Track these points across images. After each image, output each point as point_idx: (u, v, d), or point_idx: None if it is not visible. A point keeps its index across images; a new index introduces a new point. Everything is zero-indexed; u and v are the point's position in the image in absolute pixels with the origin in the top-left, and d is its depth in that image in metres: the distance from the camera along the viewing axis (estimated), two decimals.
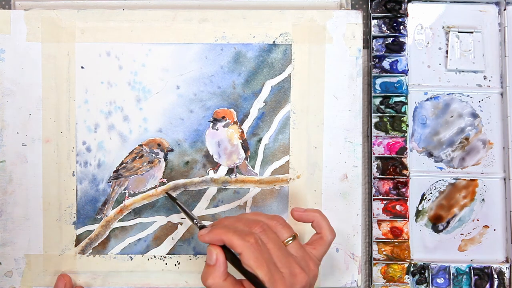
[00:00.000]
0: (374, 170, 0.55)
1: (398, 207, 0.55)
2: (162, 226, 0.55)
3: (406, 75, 0.56)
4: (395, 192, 0.55)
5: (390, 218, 0.55)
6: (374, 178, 0.55)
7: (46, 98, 0.54)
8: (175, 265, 0.55)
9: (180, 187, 0.55)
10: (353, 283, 0.54)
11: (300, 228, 0.52)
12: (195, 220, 0.48)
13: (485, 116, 0.56)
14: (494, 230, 0.56)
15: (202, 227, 0.46)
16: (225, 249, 0.42)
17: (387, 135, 0.55)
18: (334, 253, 0.54)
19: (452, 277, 0.55)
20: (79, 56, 0.54)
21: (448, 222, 0.56)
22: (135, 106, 0.54)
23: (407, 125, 0.56)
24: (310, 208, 0.48)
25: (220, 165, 0.55)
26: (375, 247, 0.55)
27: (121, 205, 0.55)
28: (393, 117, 0.56)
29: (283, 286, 0.40)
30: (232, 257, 0.42)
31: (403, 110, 0.56)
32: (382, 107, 0.56)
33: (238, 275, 0.42)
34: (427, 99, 0.57)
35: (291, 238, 0.44)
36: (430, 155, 0.56)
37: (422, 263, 0.55)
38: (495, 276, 0.55)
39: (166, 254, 0.55)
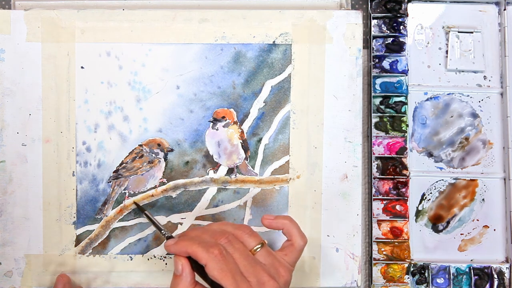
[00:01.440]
0: (374, 170, 0.55)
1: (398, 207, 0.55)
2: (162, 226, 0.55)
3: (406, 75, 0.56)
4: (395, 192, 0.55)
5: (390, 218, 0.55)
6: (374, 178, 0.55)
7: (46, 98, 0.54)
8: None
9: (180, 187, 0.55)
10: (353, 283, 0.54)
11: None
12: (162, 231, 0.48)
13: (485, 116, 0.56)
14: (494, 230, 0.56)
15: (169, 237, 0.46)
16: (192, 259, 0.42)
17: (387, 135, 0.55)
18: (334, 253, 0.54)
19: (452, 277, 0.55)
20: (79, 56, 0.54)
21: (448, 222, 0.56)
22: (135, 106, 0.54)
23: (407, 125, 0.56)
24: (281, 215, 0.48)
25: (220, 165, 0.55)
26: (375, 247, 0.55)
27: (121, 205, 0.55)
28: (393, 117, 0.56)
29: None
30: (198, 267, 0.42)
31: (403, 110, 0.56)
32: (382, 107, 0.56)
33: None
34: (427, 99, 0.57)
35: (259, 246, 0.44)
36: (430, 155, 0.56)
37: (422, 263, 0.55)
38: (495, 276, 0.55)
39: (166, 254, 0.55)
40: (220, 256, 0.41)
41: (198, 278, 0.43)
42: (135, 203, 0.54)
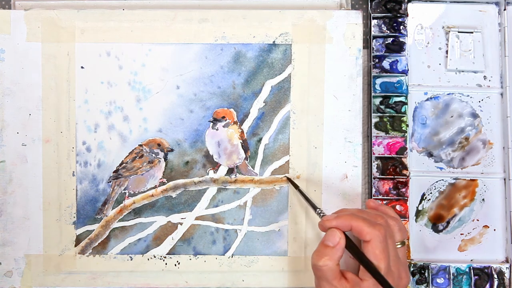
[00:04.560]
0: (374, 170, 0.55)
1: (398, 207, 0.55)
2: (162, 226, 0.55)
3: (406, 75, 0.56)
4: (395, 192, 0.55)
5: None
6: (374, 178, 0.55)
7: (46, 98, 0.54)
8: (175, 265, 0.55)
9: (180, 187, 0.55)
10: None
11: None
12: (318, 210, 0.48)
13: (485, 116, 0.56)
14: (494, 230, 0.56)
15: (323, 215, 0.46)
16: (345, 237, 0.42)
17: (387, 135, 0.55)
18: None
19: (452, 277, 0.55)
20: (79, 56, 0.54)
21: (448, 222, 0.56)
22: (135, 106, 0.54)
23: (407, 125, 0.56)
24: (384, 205, 0.48)
25: (220, 165, 0.55)
26: None
27: (121, 205, 0.55)
28: (393, 117, 0.56)
29: (392, 283, 0.41)
30: (350, 244, 0.42)
31: (403, 110, 0.56)
32: (382, 107, 0.56)
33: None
34: (427, 99, 0.57)
35: (401, 242, 0.44)
36: (430, 155, 0.56)
37: (422, 263, 0.55)
38: (495, 276, 0.55)
39: (166, 254, 0.55)
40: (383, 236, 0.41)
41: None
42: (288, 179, 0.54)
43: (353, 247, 0.42)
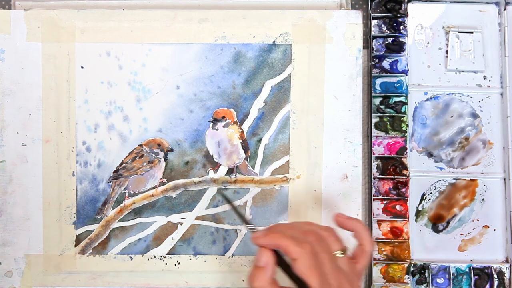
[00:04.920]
0: (374, 170, 0.55)
1: (398, 207, 0.55)
2: (162, 226, 0.55)
3: (406, 75, 0.56)
4: (395, 192, 0.55)
5: (390, 218, 0.55)
6: (374, 178, 0.55)
7: (46, 98, 0.54)
8: (175, 265, 0.55)
9: (180, 187, 0.55)
10: None
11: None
12: (249, 226, 0.48)
13: (485, 116, 0.56)
14: (494, 230, 0.56)
15: (253, 230, 0.46)
16: (275, 253, 0.42)
17: (387, 135, 0.55)
18: None
19: (452, 277, 0.55)
20: (79, 56, 0.54)
21: (448, 222, 0.56)
22: (135, 106, 0.54)
23: (407, 125, 0.56)
24: (353, 217, 0.47)
25: (220, 165, 0.55)
26: (375, 247, 0.55)
27: (121, 205, 0.55)
28: (393, 117, 0.56)
29: None
30: (281, 262, 0.42)
31: (403, 110, 0.56)
32: (382, 107, 0.56)
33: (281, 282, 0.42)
34: (427, 99, 0.57)
35: (341, 252, 0.43)
36: (430, 155, 0.56)
37: (422, 263, 0.55)
38: (495, 276, 0.55)
39: (166, 254, 0.55)
40: (311, 253, 0.40)
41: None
42: (221, 193, 0.54)
43: (283, 265, 0.42)
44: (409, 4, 0.57)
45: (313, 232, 0.43)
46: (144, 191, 0.55)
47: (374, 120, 0.56)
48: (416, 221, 0.56)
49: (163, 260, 0.55)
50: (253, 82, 0.55)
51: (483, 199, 0.56)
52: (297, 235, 0.42)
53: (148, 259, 0.55)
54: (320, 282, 0.40)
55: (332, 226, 0.45)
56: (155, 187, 0.55)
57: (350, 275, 0.43)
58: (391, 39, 0.56)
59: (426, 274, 0.55)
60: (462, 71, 0.57)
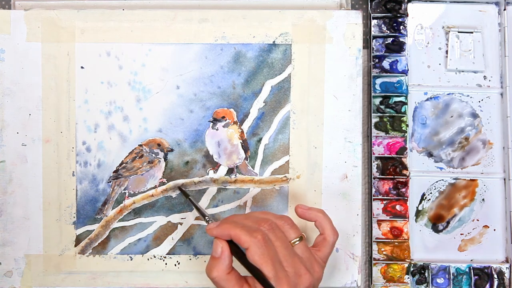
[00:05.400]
0: (374, 170, 0.55)
1: (398, 207, 0.55)
2: (162, 226, 0.55)
3: (406, 75, 0.56)
4: (395, 192, 0.55)
5: (390, 218, 0.55)
6: (374, 178, 0.55)
7: (46, 98, 0.54)
8: (175, 265, 0.55)
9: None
10: (353, 283, 0.54)
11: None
12: (206, 217, 0.48)
13: (485, 116, 0.56)
14: (494, 230, 0.56)
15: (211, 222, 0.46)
16: (232, 244, 0.43)
17: (387, 135, 0.55)
18: (334, 253, 0.54)
19: (452, 277, 0.55)
20: (79, 56, 0.54)
21: (448, 222, 0.56)
22: (135, 106, 0.54)
23: (407, 125, 0.56)
24: (314, 207, 0.48)
25: (220, 165, 0.55)
26: (375, 247, 0.55)
27: (121, 205, 0.55)
28: (393, 117, 0.56)
29: (287, 285, 0.40)
30: (238, 252, 0.43)
31: (403, 110, 0.56)
32: (382, 107, 0.56)
33: (243, 271, 0.43)
34: (427, 99, 0.57)
35: (298, 239, 0.44)
36: (430, 155, 0.56)
37: (422, 263, 0.55)
38: (495, 276, 0.55)
39: (166, 254, 0.55)
40: (262, 241, 0.41)
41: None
42: (179, 188, 0.54)
43: (239, 255, 0.42)
44: (409, 4, 0.57)
45: (266, 221, 0.43)
46: (144, 191, 0.55)
47: (374, 120, 0.56)
48: (416, 221, 0.56)
49: (163, 260, 0.55)
50: (253, 82, 0.55)
51: (483, 199, 0.56)
52: (250, 224, 0.43)
53: (148, 259, 0.55)
54: (274, 269, 0.40)
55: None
56: (155, 187, 0.55)
57: (308, 262, 0.43)
58: (391, 39, 0.56)
59: (426, 274, 0.55)
60: (462, 71, 0.57)
